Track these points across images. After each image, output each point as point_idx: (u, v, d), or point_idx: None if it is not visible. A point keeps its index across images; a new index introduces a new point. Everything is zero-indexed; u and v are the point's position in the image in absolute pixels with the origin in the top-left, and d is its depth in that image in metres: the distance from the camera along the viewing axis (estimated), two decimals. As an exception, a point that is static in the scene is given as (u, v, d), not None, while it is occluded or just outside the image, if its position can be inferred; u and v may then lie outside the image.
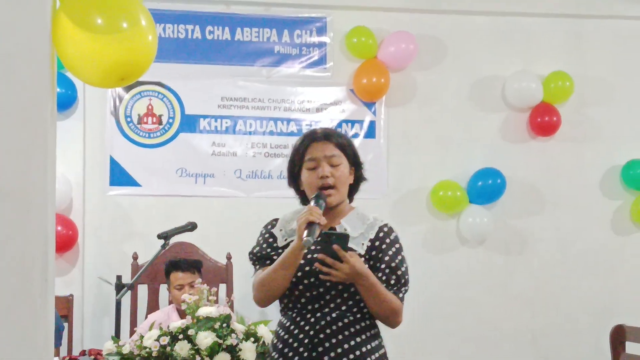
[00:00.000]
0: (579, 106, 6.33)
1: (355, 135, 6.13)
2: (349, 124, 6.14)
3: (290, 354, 2.90)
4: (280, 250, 2.99)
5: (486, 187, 6.11)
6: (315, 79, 6.14)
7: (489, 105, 6.29)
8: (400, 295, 2.97)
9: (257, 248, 3.07)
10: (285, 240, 3.02)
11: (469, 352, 6.13)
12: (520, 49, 6.33)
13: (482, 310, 6.17)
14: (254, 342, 3.62)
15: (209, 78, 6.01)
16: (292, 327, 2.93)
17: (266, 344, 3.60)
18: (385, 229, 3.03)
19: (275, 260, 2.96)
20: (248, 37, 6.09)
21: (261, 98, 6.07)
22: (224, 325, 3.64)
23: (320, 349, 2.86)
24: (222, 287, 5.43)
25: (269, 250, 3.03)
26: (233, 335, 3.61)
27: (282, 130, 6.06)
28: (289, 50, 6.13)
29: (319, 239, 2.78)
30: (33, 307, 2.19)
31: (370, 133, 6.16)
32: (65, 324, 5.45)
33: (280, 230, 3.06)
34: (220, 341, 3.57)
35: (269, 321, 3.78)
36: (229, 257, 5.55)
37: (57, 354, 4.88)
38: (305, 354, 2.87)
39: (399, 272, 2.97)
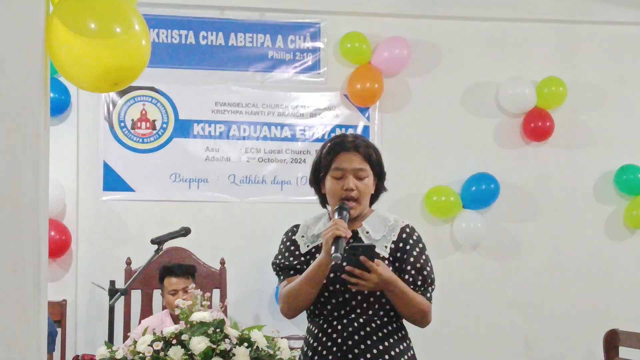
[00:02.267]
0: (572, 111, 6.34)
1: (349, 141, 6.12)
2: (343, 129, 6.13)
3: None
4: (303, 258, 2.98)
5: (480, 192, 6.12)
6: (309, 84, 6.14)
7: (482, 110, 6.30)
8: (428, 295, 3.00)
9: (280, 257, 3.05)
10: (307, 246, 3.01)
11: (462, 357, 6.13)
12: (513, 55, 6.35)
13: (476, 315, 6.17)
14: (247, 347, 3.60)
15: (203, 83, 6.02)
16: (320, 334, 2.93)
17: (260, 349, 3.59)
18: (408, 230, 3.05)
19: (298, 269, 2.96)
20: (242, 42, 6.09)
21: (255, 103, 6.07)
22: (218, 330, 3.63)
23: (350, 355, 2.86)
24: (216, 292, 5.43)
25: (291, 259, 3.01)
26: (227, 340, 3.60)
27: (275, 136, 6.06)
28: (282, 55, 6.13)
29: (344, 253, 2.78)
30: (25, 312, 2.19)
31: (364, 138, 6.15)
32: (59, 330, 5.43)
33: (302, 236, 3.05)
34: (214, 346, 3.56)
35: (262, 326, 3.77)
36: (222, 262, 5.54)
37: (50, 359, 4.87)
38: None
39: (425, 272, 2.99)
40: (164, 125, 5.96)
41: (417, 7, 6.23)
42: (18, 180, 2.23)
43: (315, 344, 2.93)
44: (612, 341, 5.01)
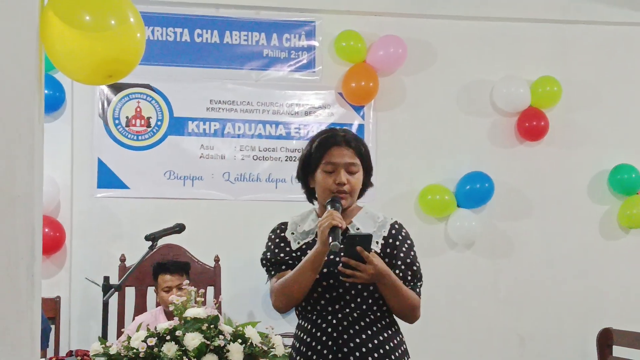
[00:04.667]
0: (566, 111, 6.35)
1: (344, 139, 6.13)
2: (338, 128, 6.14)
3: (315, 356, 2.90)
4: (294, 254, 2.99)
5: (474, 191, 6.12)
6: (304, 83, 6.15)
7: (477, 109, 6.31)
8: (417, 290, 3.02)
9: (270, 254, 3.06)
10: (298, 243, 3.03)
11: (456, 355, 6.13)
12: (508, 54, 6.36)
13: (470, 313, 6.18)
14: (241, 344, 3.60)
15: (198, 81, 6.01)
16: (314, 329, 2.94)
17: (254, 346, 3.59)
18: (397, 226, 3.08)
19: (290, 264, 2.97)
20: (237, 40, 6.09)
21: (250, 101, 6.07)
22: (212, 326, 3.63)
23: (345, 349, 2.87)
24: (210, 290, 5.42)
25: (282, 255, 3.02)
26: (221, 336, 3.60)
27: (270, 134, 6.06)
28: (277, 53, 6.13)
29: (343, 241, 2.79)
30: (19, 307, 2.18)
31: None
32: (52, 326, 5.43)
33: (292, 233, 3.06)
34: (208, 342, 3.56)
35: (257, 323, 3.77)
36: (217, 260, 5.54)
37: (43, 355, 4.86)
38: (330, 356, 2.88)
39: (415, 267, 3.02)
40: (159, 123, 5.96)
41: (412, 6, 6.23)
42: (12, 175, 2.22)
43: (308, 340, 2.94)
44: (606, 340, 5.03)
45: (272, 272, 3.04)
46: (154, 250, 4.40)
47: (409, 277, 2.99)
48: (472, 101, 6.31)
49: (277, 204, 5.89)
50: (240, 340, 3.60)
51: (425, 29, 6.28)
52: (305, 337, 2.97)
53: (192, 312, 3.67)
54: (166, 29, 5.99)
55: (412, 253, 3.04)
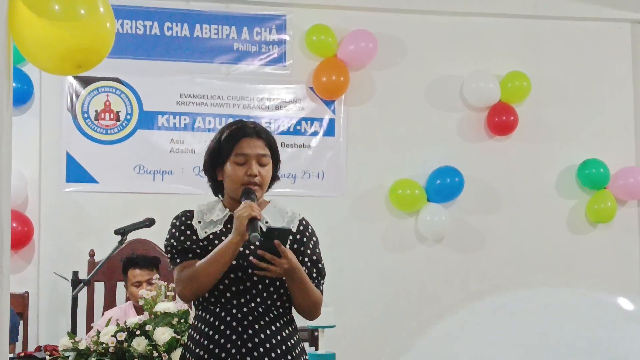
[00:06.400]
0: (535, 106, 6.39)
1: (315, 134, 6.13)
2: (308, 122, 6.14)
3: (217, 350, 2.85)
4: (201, 243, 2.96)
5: (444, 186, 6.14)
6: (274, 77, 6.13)
7: (447, 104, 6.33)
8: (321, 287, 3.01)
9: (175, 241, 2.99)
10: (205, 232, 2.98)
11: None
12: (478, 49, 6.38)
13: (440, 307, 6.19)
14: (212, 338, 3.59)
15: (168, 74, 5.98)
16: (216, 322, 2.88)
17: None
18: (304, 222, 3.05)
19: (198, 253, 2.92)
20: (207, 33, 6.06)
21: (220, 95, 6.05)
22: (182, 320, 3.62)
23: (249, 344, 2.83)
24: (180, 285, 5.39)
25: (189, 243, 2.96)
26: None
27: (241, 128, 6.02)
28: (248, 47, 6.11)
29: (261, 235, 2.76)
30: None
31: (330, 131, 6.16)
32: (21, 322, 5.37)
33: (199, 222, 3.01)
34: (178, 337, 3.55)
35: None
36: (187, 255, 5.51)
37: (12, 350, 4.82)
38: (234, 350, 2.83)
39: (320, 265, 3.01)
40: (128, 117, 5.92)
41: (382, 0, 6.24)
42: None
43: (211, 332, 2.87)
44: (574, 333, 5.07)
45: (178, 260, 2.97)
46: (124, 244, 4.37)
47: (314, 274, 2.97)
48: (442, 96, 6.33)
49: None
50: (210, 335, 3.59)
51: (396, 23, 6.29)
52: (205, 328, 2.89)
53: (162, 307, 3.66)
54: (136, 22, 5.95)
55: (318, 250, 3.03)
